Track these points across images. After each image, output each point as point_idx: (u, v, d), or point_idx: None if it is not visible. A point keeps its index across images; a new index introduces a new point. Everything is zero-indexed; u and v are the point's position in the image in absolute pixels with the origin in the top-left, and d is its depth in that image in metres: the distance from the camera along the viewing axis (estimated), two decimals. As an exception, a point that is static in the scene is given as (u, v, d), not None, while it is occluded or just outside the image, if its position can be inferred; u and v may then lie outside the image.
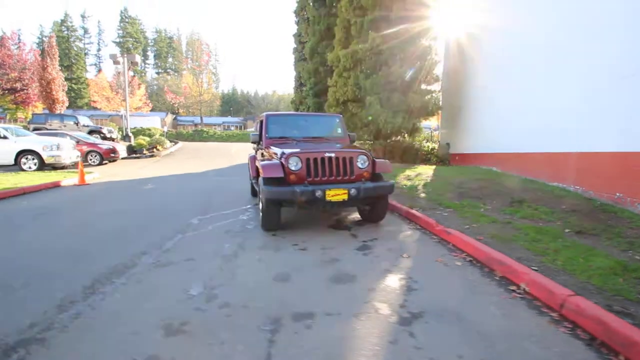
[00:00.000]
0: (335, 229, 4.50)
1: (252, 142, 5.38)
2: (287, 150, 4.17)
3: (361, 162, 4.29)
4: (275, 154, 4.51)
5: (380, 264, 3.18)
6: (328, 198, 3.95)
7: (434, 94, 10.62)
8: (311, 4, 14.60)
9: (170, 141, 19.38)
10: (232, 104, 52.85)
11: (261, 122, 5.86)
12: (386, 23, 10.27)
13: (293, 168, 4.07)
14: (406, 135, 11.10)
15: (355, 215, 5.16)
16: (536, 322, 2.14)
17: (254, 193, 6.72)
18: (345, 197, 4.02)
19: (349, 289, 2.65)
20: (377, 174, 4.50)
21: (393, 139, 11.00)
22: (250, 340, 1.96)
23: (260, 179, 4.28)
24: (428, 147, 12.20)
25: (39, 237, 4.02)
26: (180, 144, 21.14)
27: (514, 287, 2.61)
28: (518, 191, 5.57)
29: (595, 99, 4.80)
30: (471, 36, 9.60)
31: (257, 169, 6.03)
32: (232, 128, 43.03)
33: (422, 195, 6.14)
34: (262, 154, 5.15)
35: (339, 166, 4.19)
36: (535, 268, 2.74)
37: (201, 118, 38.19)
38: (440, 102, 10.62)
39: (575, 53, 5.23)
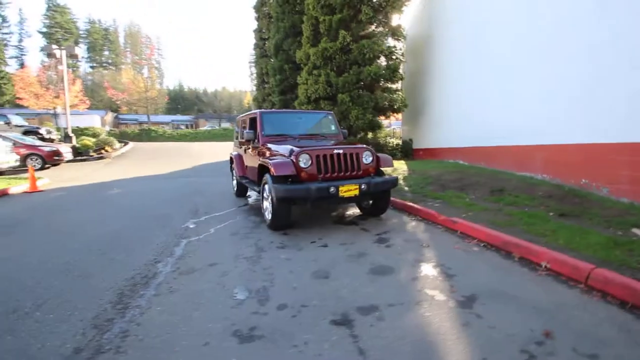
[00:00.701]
0: (342, 224, 4.55)
1: (247, 140, 5.20)
2: (296, 148, 4.12)
3: (367, 158, 4.40)
4: (278, 151, 4.43)
5: (407, 254, 3.31)
6: (341, 194, 4.00)
7: (400, 92, 11.11)
8: (272, 0, 14.39)
9: (119, 141, 17.82)
10: (179, 101, 49.90)
11: (250, 119, 5.71)
12: (355, 23, 10.51)
13: (303, 165, 4.04)
14: (369, 132, 11.46)
15: (354, 211, 5.26)
16: (572, 294, 2.41)
17: (240, 193, 6.53)
18: (357, 192, 4.10)
19: (394, 280, 2.73)
20: (379, 169, 4.64)
21: (362, 135, 11.31)
22: (331, 338, 1.95)
23: (267, 177, 4.19)
24: (393, 142, 12.74)
25: (28, 254, 3.52)
26: (131, 144, 19.49)
27: (534, 266, 2.90)
28: (494, 181, 6.09)
29: (559, 97, 5.42)
30: (432, 37, 10.23)
31: (246, 168, 5.90)
32: (183, 127, 40.70)
33: (406, 188, 6.44)
34: (258, 152, 5.01)
35: (347, 162, 4.24)
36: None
37: (148, 116, 35.52)
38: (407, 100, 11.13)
39: (542, 54, 5.84)
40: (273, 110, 5.87)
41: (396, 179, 4.52)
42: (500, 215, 4.41)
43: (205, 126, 39.21)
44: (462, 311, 2.20)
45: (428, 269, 2.92)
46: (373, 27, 10.72)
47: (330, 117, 5.76)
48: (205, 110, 46.69)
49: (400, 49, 10.93)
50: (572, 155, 5.19)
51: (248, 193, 6.63)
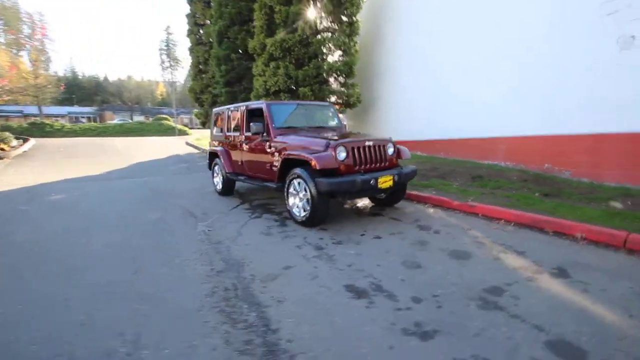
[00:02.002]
0: (367, 215, 4.59)
1: (255, 133, 4.79)
2: (332, 140, 3.99)
3: (390, 149, 4.51)
4: (307, 145, 4.20)
5: (462, 238, 3.54)
6: (380, 185, 4.04)
7: (356, 88, 11.49)
8: (211, -17, 13.33)
9: (15, 138, 14.42)
10: (74, 91, 42.32)
11: (248, 111, 5.32)
12: (314, 16, 10.46)
13: (341, 158, 3.95)
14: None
15: (363, 202, 5.33)
16: (621, 257, 2.92)
17: (226, 191, 6.02)
18: (391, 183, 4.19)
19: (481, 263, 2.91)
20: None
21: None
22: (493, 319, 2.02)
23: (299, 171, 3.98)
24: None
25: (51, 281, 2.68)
26: (33, 141, 15.90)
27: (571, 238, 3.41)
28: (468, 169, 6.83)
29: (522, 93, 6.33)
30: (385, 32, 10.85)
31: (242, 163, 5.44)
32: (84, 120, 34.75)
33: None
34: (271, 145, 4.68)
35: (376, 154, 4.29)
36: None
37: (39, 108, 29.25)
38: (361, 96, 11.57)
39: (505, 54, 6.70)
40: (280, 102, 5.51)
41: (416, 170, 4.73)
42: (499, 197, 4.99)
43: (114, 119, 34.22)
44: (568, 281, 2.49)
45: (496, 250, 3.18)
46: (329, 22, 10.81)
47: (332, 109, 5.69)
48: (112, 101, 40.59)
49: (356, 44, 11.28)
50: (534, 145, 6.14)
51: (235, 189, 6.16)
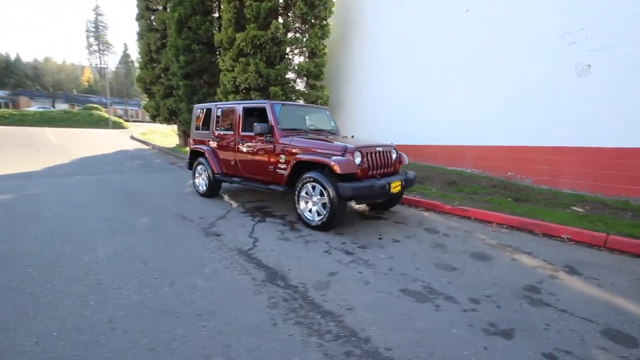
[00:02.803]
0: (371, 219, 4.72)
1: (260, 132, 4.59)
2: (349, 145, 4.04)
3: (394, 155, 4.71)
4: (321, 149, 4.17)
5: (471, 242, 3.85)
6: (392, 190, 4.20)
7: (324, 90, 11.63)
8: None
9: None
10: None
11: (246, 110, 5.13)
12: (286, 15, 10.37)
13: (357, 162, 4.02)
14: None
15: (361, 206, 5.45)
16: (607, 255, 3.47)
17: (211, 193, 5.70)
18: (400, 188, 4.39)
19: (502, 263, 3.22)
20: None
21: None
22: (548, 314, 2.28)
23: (316, 175, 3.96)
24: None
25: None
26: None
27: (558, 239, 3.93)
28: (440, 175, 7.39)
29: (490, 108, 7.04)
30: (351, 39, 11.17)
31: (236, 164, 5.20)
32: (-10, 105, 29.34)
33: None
34: (276, 147, 4.56)
35: (384, 159, 4.45)
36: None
37: None
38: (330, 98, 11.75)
39: (472, 68, 7.38)
40: (283, 102, 5.34)
41: (415, 176, 5.00)
42: (480, 202, 5.50)
43: (32, 106, 29.47)
44: (582, 277, 2.90)
45: (507, 251, 3.54)
46: (300, 23, 10.79)
47: (327, 113, 5.72)
48: (29, 85, 34.76)
49: (325, 47, 11.41)
50: (500, 154, 6.88)
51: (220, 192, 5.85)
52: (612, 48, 5.13)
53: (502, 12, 6.65)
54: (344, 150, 3.98)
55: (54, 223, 4.11)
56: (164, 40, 14.02)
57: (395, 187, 4.26)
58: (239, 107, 5.22)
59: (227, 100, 10.62)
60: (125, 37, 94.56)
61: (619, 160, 5.23)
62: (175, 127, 15.39)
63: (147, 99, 15.10)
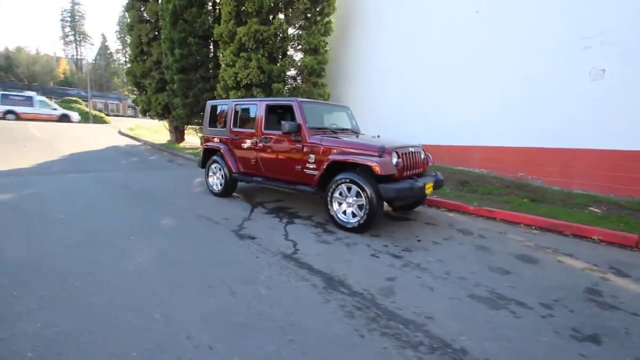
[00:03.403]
0: (401, 220, 4.67)
1: (288, 131, 4.43)
2: (387, 145, 3.96)
3: (422, 155, 4.67)
4: (355, 148, 4.06)
5: (513, 243, 3.86)
6: (426, 191, 4.16)
7: (326, 88, 11.50)
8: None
9: None
10: None
11: (268, 108, 4.95)
12: (288, 11, 10.19)
13: (394, 163, 3.95)
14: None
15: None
16: (633, 254, 3.56)
17: (227, 192, 5.50)
18: (432, 189, 4.36)
19: (552, 266, 3.24)
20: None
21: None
22: (621, 316, 2.29)
23: (351, 175, 3.87)
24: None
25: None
26: None
27: (589, 240, 4.02)
28: (451, 174, 7.44)
29: (499, 111, 7.14)
30: (353, 39, 11.10)
31: (257, 163, 5.02)
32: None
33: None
34: (305, 146, 4.42)
35: (415, 160, 4.41)
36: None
37: None
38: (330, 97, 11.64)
39: (485, 70, 7.45)
40: (310, 100, 5.17)
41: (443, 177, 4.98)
42: (498, 203, 5.56)
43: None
44: (632, 279, 2.95)
45: (550, 253, 3.57)
46: (302, 19, 10.59)
47: (350, 112, 5.62)
48: (3, 77, 32.40)
49: (327, 45, 11.28)
50: (510, 155, 7.00)
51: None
52: (626, 54, 5.29)
53: (510, 13, 6.74)
54: (382, 151, 3.89)
55: (72, 225, 3.82)
56: (156, 32, 13.48)
57: (429, 188, 4.22)
58: (261, 104, 5.04)
59: (227, 96, 10.33)
60: (103, 27, 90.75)
61: (629, 162, 5.41)
62: (165, 122, 14.86)
63: (137, 93, 14.48)
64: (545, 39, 6.24)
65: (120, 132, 15.67)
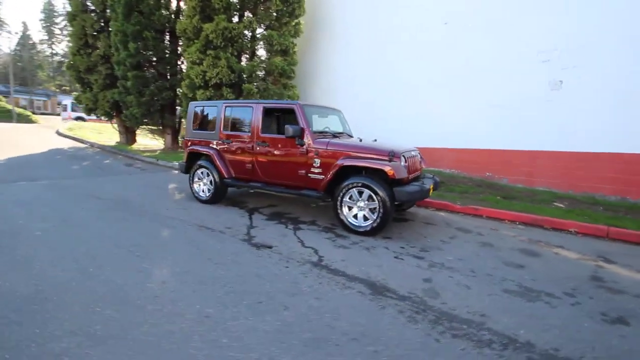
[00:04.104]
0: (401, 221, 4.82)
1: (293, 135, 4.32)
2: (396, 149, 4.06)
3: (420, 159, 4.88)
4: (363, 152, 4.10)
5: (509, 239, 4.20)
6: (430, 193, 4.35)
7: (295, 90, 11.43)
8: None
9: None
10: None
11: (264, 111, 4.81)
12: (263, 9, 9.98)
13: (404, 166, 4.08)
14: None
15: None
16: (608, 243, 4.11)
17: (216, 199, 5.23)
18: (432, 191, 4.56)
19: (553, 258, 3.59)
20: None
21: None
22: (632, 300, 2.64)
23: (364, 179, 3.92)
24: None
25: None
26: None
27: (566, 232, 4.53)
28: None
29: (469, 117, 7.72)
30: (331, 38, 11.18)
31: (254, 168, 4.85)
32: None
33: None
34: (306, 150, 4.36)
35: (415, 163, 4.59)
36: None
37: None
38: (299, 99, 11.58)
39: (449, 77, 7.98)
40: (311, 104, 5.03)
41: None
42: (475, 200, 6.03)
43: None
44: (619, 265, 3.39)
45: (544, 246, 3.95)
46: (272, 20, 10.40)
47: (342, 115, 5.64)
48: None
49: (295, 46, 11.20)
50: (479, 156, 7.60)
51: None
52: (581, 67, 6.06)
53: (477, 26, 7.34)
54: (392, 155, 3.99)
55: (56, 244, 3.33)
56: (102, 24, 12.26)
57: (431, 190, 4.42)
58: (257, 106, 4.85)
59: (193, 96, 9.77)
60: (25, 14, 79.98)
61: (583, 162, 6.21)
62: (114, 123, 13.56)
63: (80, 90, 13.01)
64: (509, 51, 6.89)
65: (58, 133, 13.93)
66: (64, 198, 5.23)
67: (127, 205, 5.01)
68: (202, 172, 5.36)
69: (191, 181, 5.49)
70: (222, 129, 5.17)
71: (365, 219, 4.04)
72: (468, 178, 7.60)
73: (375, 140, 5.20)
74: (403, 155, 4.11)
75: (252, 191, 6.26)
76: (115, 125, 13.67)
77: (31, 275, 2.64)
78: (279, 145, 4.64)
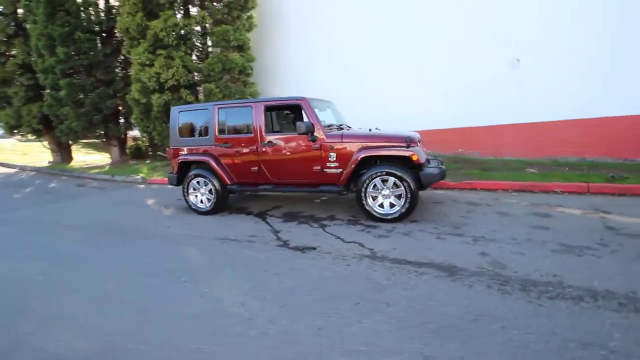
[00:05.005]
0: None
1: (305, 132, 4.17)
2: (411, 135, 4.16)
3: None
4: (380, 140, 4.12)
5: (514, 205, 4.58)
6: (440, 176, 4.56)
7: (255, 87, 11.02)
8: None
9: None
10: None
11: (265, 108, 4.62)
12: (211, 2, 9.37)
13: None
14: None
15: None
16: (592, 197, 4.72)
17: (218, 208, 4.91)
18: (440, 171, 4.78)
19: (563, 217, 4.00)
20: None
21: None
22: (654, 241, 3.09)
23: (388, 167, 3.96)
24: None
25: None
26: None
27: (553, 192, 5.09)
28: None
29: (437, 100, 8.17)
30: (284, 27, 10.89)
31: (251, 171, 4.61)
32: None
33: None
34: (318, 145, 4.26)
35: (422, 147, 4.77)
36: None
37: None
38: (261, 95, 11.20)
39: (420, 60, 8.35)
40: (317, 98, 4.81)
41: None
42: (460, 175, 6.46)
43: None
44: (617, 214, 3.91)
45: (546, 208, 4.38)
46: (224, 14, 9.83)
47: (335, 106, 5.57)
48: None
49: (250, 41, 10.75)
50: (450, 135, 8.12)
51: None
52: (537, 45, 6.76)
53: (438, 10, 7.76)
54: (410, 141, 4.07)
55: (75, 285, 2.84)
56: (16, 27, 10.50)
57: (443, 170, 4.63)
58: (257, 106, 4.58)
59: (147, 101, 8.90)
60: None
61: (543, 131, 6.99)
62: (45, 141, 11.80)
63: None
64: (474, 34, 7.41)
65: (-29, 159, 11.71)
66: (33, 233, 4.45)
67: (116, 230, 4.44)
68: (197, 182, 4.94)
69: (186, 193, 5.03)
70: (217, 133, 4.79)
71: (392, 205, 4.09)
72: (443, 156, 8.09)
73: (377, 128, 5.27)
74: (419, 140, 4.24)
75: (248, 194, 5.96)
76: (46, 143, 11.91)
77: (85, 330, 2.22)
78: (289, 144, 4.46)
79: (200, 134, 4.95)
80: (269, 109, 4.63)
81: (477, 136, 7.74)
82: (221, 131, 4.79)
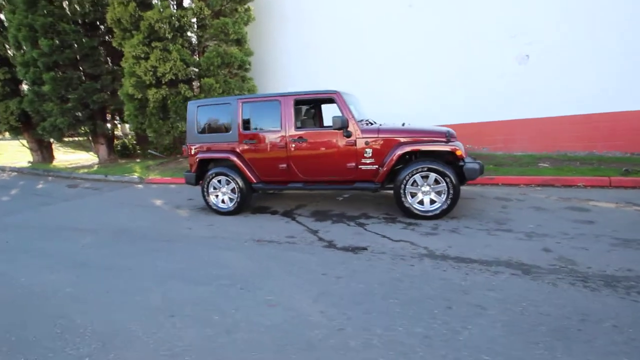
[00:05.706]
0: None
1: (341, 127, 3.98)
2: (450, 130, 4.06)
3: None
4: (421, 135, 3.99)
5: (546, 200, 4.57)
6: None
7: (252, 81, 10.66)
8: None
9: None
10: None
11: (294, 102, 4.39)
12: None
13: (456, 146, 4.12)
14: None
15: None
16: (617, 190, 4.80)
17: (240, 209, 4.68)
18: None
19: (600, 211, 4.02)
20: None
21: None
22: None
23: (430, 163, 3.84)
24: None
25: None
26: None
27: (576, 187, 5.15)
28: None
29: (448, 95, 8.16)
30: (282, 19, 10.56)
31: (279, 169, 4.39)
32: None
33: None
34: (353, 141, 4.09)
35: (454, 142, 4.69)
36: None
37: None
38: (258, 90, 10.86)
39: (426, 57, 8.29)
40: (348, 92, 4.58)
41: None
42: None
43: None
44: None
45: (579, 201, 4.40)
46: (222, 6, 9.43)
47: (357, 99, 5.39)
48: None
49: (247, 35, 10.38)
50: (460, 130, 8.08)
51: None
52: (545, 42, 6.84)
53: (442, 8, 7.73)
54: (450, 135, 3.98)
55: (112, 298, 2.53)
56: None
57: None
58: (286, 99, 4.33)
59: (143, 96, 8.40)
60: None
61: (552, 126, 7.10)
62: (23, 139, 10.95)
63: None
64: (477, 30, 7.42)
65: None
66: (39, 239, 4.03)
67: (131, 233, 4.10)
68: (219, 181, 4.65)
69: (206, 193, 4.72)
70: (241, 129, 4.51)
71: (432, 202, 3.98)
72: (450, 152, 8.10)
73: (404, 124, 5.14)
74: (454, 135, 4.14)
75: (270, 192, 5.71)
76: (25, 142, 11.07)
77: (156, 350, 1.94)
78: (321, 140, 4.25)
79: (221, 130, 4.65)
80: (298, 103, 4.39)
81: (486, 131, 7.79)
82: (245, 127, 4.52)
